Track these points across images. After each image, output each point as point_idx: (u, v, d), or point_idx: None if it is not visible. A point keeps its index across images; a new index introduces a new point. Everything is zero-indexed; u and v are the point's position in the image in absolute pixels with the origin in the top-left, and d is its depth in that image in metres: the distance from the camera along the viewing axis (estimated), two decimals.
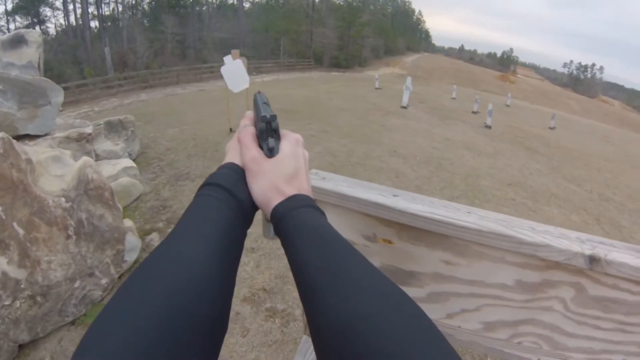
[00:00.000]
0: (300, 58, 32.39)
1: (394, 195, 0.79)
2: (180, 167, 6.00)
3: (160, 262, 0.37)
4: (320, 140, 8.18)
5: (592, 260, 0.71)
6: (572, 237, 0.75)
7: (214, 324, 0.35)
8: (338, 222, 0.87)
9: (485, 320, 0.88)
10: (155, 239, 4.07)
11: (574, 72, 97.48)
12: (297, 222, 0.46)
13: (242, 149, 0.54)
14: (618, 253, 0.72)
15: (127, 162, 5.41)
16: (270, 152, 0.53)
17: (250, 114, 0.63)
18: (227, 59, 7.05)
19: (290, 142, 0.56)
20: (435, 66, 46.78)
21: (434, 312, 0.90)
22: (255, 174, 0.51)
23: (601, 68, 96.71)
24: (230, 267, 0.42)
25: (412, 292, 0.88)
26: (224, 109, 7.73)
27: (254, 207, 0.52)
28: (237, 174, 0.52)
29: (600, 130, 21.06)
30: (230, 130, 7.77)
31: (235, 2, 39.89)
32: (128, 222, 3.72)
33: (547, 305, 0.83)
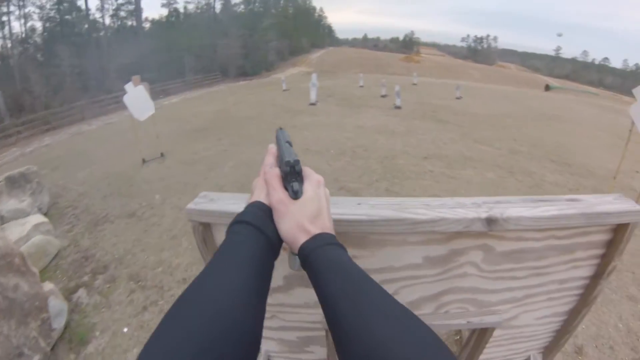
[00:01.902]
0: (206, 73, 31.15)
1: None
2: (97, 211, 5.50)
3: (203, 295, 0.41)
4: (233, 154, 7.93)
5: (490, 221, 0.72)
6: (467, 204, 0.76)
7: (252, 349, 0.40)
8: None
9: (406, 301, 0.87)
10: (82, 296, 3.67)
11: (472, 44, 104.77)
12: (323, 259, 0.51)
13: (269, 189, 0.59)
14: (514, 208, 0.74)
15: (38, 218, 4.86)
16: (295, 195, 0.58)
17: (272, 147, 0.68)
18: (129, 86, 6.64)
19: (312, 184, 0.60)
20: (341, 58, 47.76)
21: None
22: (283, 214, 0.56)
23: (495, 38, 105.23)
24: (262, 296, 0.48)
25: None
26: (133, 140, 7.27)
27: (280, 241, 0.57)
28: (264, 212, 0.57)
29: (501, 92, 22.69)
30: (143, 160, 7.26)
31: (134, 24, 37.76)
32: (48, 285, 3.35)
33: (462, 272, 0.84)
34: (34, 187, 5.69)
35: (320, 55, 52.42)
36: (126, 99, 6.58)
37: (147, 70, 31.16)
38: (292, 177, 0.59)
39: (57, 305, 3.23)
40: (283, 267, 0.81)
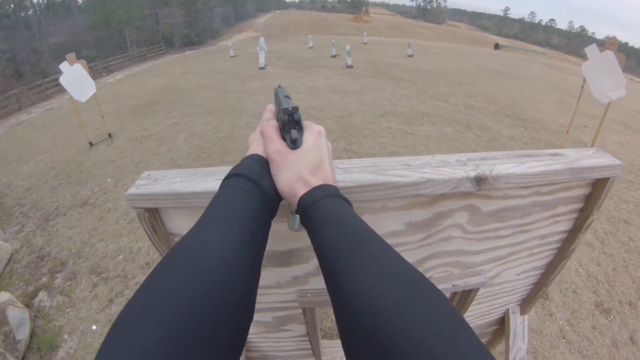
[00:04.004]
0: (150, 45, 29.27)
1: None
2: (47, 205, 5.14)
3: (188, 252, 0.37)
4: (184, 126, 7.66)
5: (479, 180, 0.66)
6: (452, 162, 0.69)
7: (241, 311, 0.37)
8: (189, 224, 0.71)
9: None
10: (44, 299, 3.45)
11: (421, 3, 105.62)
12: (323, 211, 0.46)
13: (265, 141, 0.55)
14: (502, 165, 0.69)
15: None
16: (294, 144, 0.53)
17: (271, 107, 0.64)
18: (64, 66, 6.08)
19: (312, 134, 0.55)
20: (288, 21, 46.71)
21: None
22: (280, 166, 0.51)
23: None
24: (256, 256, 0.43)
25: (300, 269, 0.80)
26: (78, 124, 6.79)
27: (278, 198, 0.52)
28: (261, 165, 0.52)
29: (453, 50, 23.09)
30: (90, 144, 6.83)
31: None
32: (4, 295, 3.16)
33: (446, 235, 0.79)
34: None
35: (267, 19, 51.09)
36: (63, 80, 6.07)
37: (86, 47, 29.17)
38: (290, 126, 0.54)
39: (17, 314, 3.06)
40: None
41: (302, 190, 0.49)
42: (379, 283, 0.35)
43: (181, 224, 0.72)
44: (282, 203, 0.55)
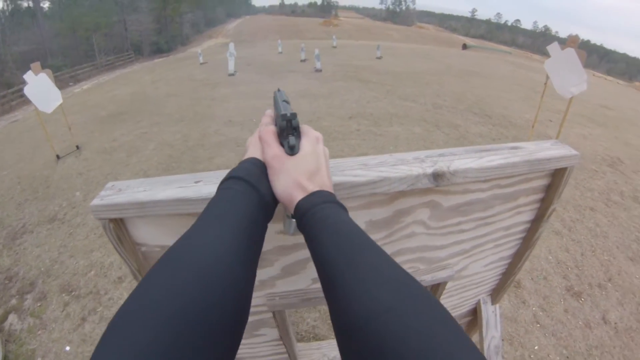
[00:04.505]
0: (118, 53, 28.67)
1: (196, 182, 0.67)
2: (13, 223, 4.92)
3: (184, 251, 0.37)
4: (153, 135, 7.52)
5: (437, 176, 0.67)
6: (409, 160, 0.70)
7: (238, 310, 0.37)
8: (154, 233, 0.72)
9: None
10: (14, 322, 3.29)
11: (390, 6, 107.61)
12: (320, 217, 0.46)
13: (263, 146, 0.55)
14: (460, 160, 0.70)
15: None
16: (292, 150, 0.53)
17: (270, 112, 0.65)
18: (28, 76, 5.87)
19: (310, 140, 0.56)
20: (258, 26, 46.68)
21: (298, 283, 0.84)
22: (278, 171, 0.52)
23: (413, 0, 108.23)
24: (252, 258, 0.44)
25: (265, 272, 0.80)
26: (44, 136, 6.56)
27: (274, 201, 0.53)
28: (259, 168, 0.53)
29: (421, 51, 23.43)
30: (57, 157, 6.60)
31: (30, 5, 33.24)
32: None
33: (409, 232, 0.80)
34: None
35: (237, 25, 50.84)
36: (27, 90, 5.86)
37: (52, 56, 28.29)
38: (288, 132, 0.55)
39: None
40: None
41: (299, 196, 0.50)
42: (374, 288, 0.36)
43: (147, 234, 0.71)
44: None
